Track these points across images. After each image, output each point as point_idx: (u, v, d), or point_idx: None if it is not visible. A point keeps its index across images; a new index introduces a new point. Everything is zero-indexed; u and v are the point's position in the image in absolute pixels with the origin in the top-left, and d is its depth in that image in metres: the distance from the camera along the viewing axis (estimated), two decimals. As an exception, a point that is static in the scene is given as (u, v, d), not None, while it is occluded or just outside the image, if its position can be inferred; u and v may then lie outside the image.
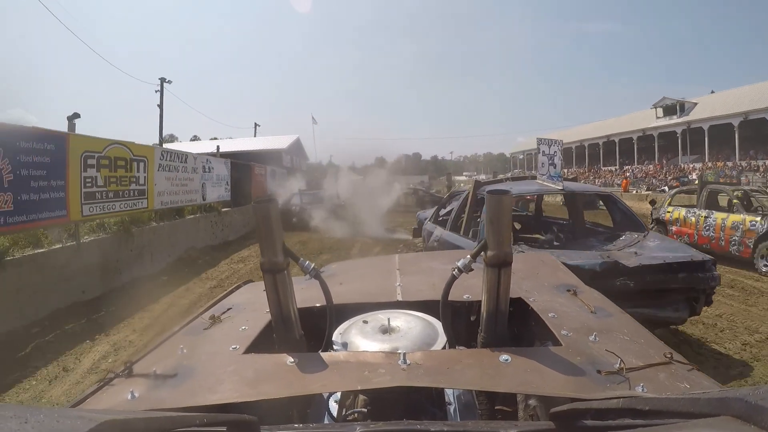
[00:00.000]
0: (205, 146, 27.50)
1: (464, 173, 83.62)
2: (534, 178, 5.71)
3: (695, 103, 38.05)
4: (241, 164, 15.58)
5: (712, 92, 39.63)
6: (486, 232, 1.05)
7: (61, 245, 6.49)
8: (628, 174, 42.36)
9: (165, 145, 25.47)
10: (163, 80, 24.35)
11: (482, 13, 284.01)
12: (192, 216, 11.10)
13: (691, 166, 37.28)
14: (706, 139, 35.99)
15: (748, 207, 8.45)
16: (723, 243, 8.21)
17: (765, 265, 7.48)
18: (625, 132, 46.10)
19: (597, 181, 41.40)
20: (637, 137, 44.84)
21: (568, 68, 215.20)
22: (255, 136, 39.69)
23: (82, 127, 7.64)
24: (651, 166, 42.93)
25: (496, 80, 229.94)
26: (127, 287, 7.47)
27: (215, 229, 12.20)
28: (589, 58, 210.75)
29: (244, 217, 14.58)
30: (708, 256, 3.83)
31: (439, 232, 5.75)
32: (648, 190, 31.23)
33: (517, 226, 5.86)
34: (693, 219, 8.95)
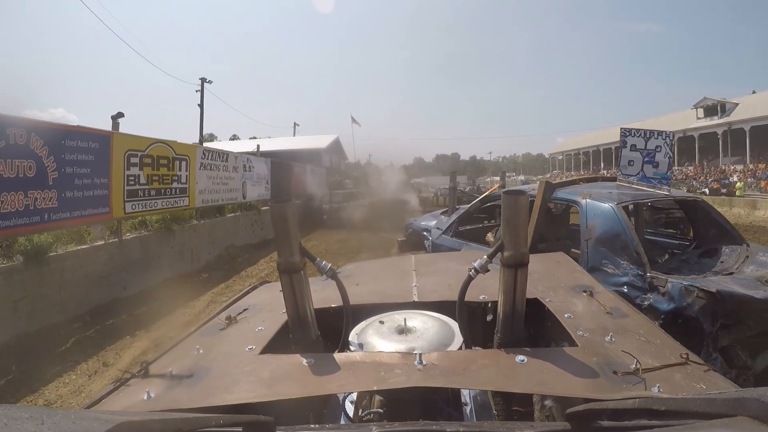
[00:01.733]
0: (245, 145, 28.19)
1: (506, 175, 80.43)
2: (614, 179, 4.57)
3: (736, 104, 36.27)
4: (281, 163, 15.69)
5: (754, 92, 37.71)
6: (502, 233, 1.04)
7: (103, 242, 6.61)
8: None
9: (206, 144, 26.42)
10: (203, 80, 24.86)
11: (522, 11, 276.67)
12: (232, 214, 11.21)
13: (732, 167, 35.60)
14: (747, 140, 34.35)
15: None
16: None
17: None
18: (676, 131, 43.53)
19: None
20: (677, 138, 42.08)
21: (607, 68, 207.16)
22: (294, 135, 40.37)
23: (124, 126, 7.76)
24: (691, 167, 41.00)
25: (536, 80, 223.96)
26: (168, 284, 7.53)
27: (255, 227, 12.27)
28: (628, 58, 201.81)
29: (283, 216, 14.65)
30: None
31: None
32: (688, 191, 29.46)
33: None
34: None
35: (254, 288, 1.94)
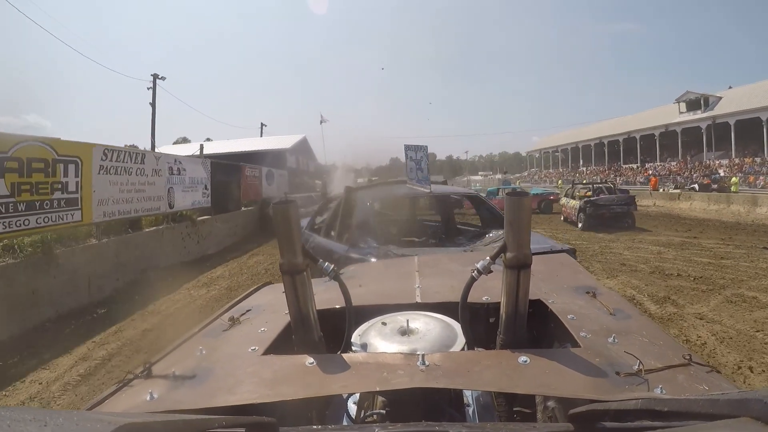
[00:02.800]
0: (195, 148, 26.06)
1: (479, 173, 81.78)
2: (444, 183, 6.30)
3: (720, 98, 36.28)
4: (226, 165, 13.76)
5: (730, 87, 37.87)
6: (505, 234, 1.04)
7: None
8: (650, 171, 40.24)
9: (162, 149, 23.94)
10: (155, 77, 22.38)
11: (496, 10, 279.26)
12: (154, 228, 9.27)
13: (717, 162, 35.63)
14: (733, 134, 34.15)
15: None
16: None
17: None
18: (647, 128, 44.10)
19: (619, 179, 39.73)
20: (659, 133, 43.11)
21: (585, 66, 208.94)
22: (262, 136, 38.10)
23: (88, 135, 5.82)
24: (674, 162, 41.10)
25: (512, 78, 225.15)
26: (49, 327, 5.67)
27: (188, 242, 10.35)
28: (606, 56, 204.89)
29: (229, 226, 12.75)
30: (567, 246, 3.95)
31: (313, 239, 5.26)
32: (676, 188, 28.92)
33: (393, 230, 5.59)
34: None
35: (257, 289, 1.91)
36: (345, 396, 1.24)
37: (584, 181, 22.53)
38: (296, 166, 32.48)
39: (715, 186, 27.09)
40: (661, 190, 28.19)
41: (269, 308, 1.52)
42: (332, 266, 1.21)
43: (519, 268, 1.02)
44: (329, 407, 1.29)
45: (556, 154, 62.29)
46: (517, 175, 69.43)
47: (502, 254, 1.05)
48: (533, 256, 1.05)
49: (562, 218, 16.67)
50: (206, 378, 1.01)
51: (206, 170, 11.59)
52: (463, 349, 1.14)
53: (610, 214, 13.71)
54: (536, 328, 1.35)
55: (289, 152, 30.48)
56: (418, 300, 1.49)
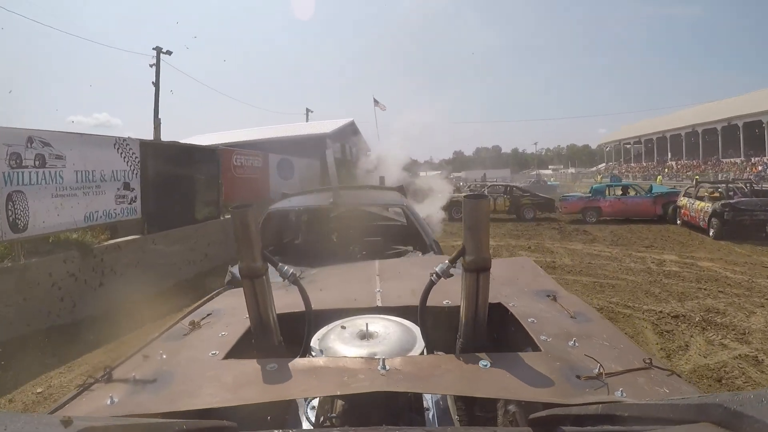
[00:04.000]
0: (221, 138, 22.04)
1: (549, 167, 76.39)
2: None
3: None
4: (180, 150, 8.85)
5: None
6: (464, 237, 1.03)
7: None
8: (760, 168, 31.24)
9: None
10: (159, 50, 18.28)
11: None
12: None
13: None
14: None
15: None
16: None
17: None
18: (752, 114, 34.37)
19: (720, 176, 32.03)
20: (743, 123, 34.66)
21: (659, 53, 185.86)
22: (308, 122, 33.79)
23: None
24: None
25: (583, 67, 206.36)
26: None
27: (67, 288, 5.68)
28: (676, 42, 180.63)
29: (183, 249, 8.02)
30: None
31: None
32: None
33: (313, 247, 4.74)
34: None
35: (218, 293, 1.87)
36: (305, 400, 1.25)
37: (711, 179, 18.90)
38: (340, 154, 27.80)
39: None
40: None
41: (229, 312, 1.51)
42: (291, 270, 1.21)
43: (478, 271, 1.02)
44: (289, 411, 1.29)
45: (637, 145, 54.47)
46: (595, 169, 62.20)
47: (462, 257, 1.04)
48: (493, 260, 1.05)
49: (678, 222, 13.56)
50: (167, 382, 1.00)
51: (127, 158, 6.88)
52: (422, 352, 1.13)
53: (752, 221, 10.85)
54: (497, 331, 1.33)
55: (330, 137, 25.77)
56: (379, 304, 1.48)
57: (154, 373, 1.05)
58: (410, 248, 4.25)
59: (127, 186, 6.85)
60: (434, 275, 1.12)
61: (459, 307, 1.11)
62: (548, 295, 1.49)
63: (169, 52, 18.33)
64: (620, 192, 15.39)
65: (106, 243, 6.49)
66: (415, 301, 1.19)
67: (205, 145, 9.41)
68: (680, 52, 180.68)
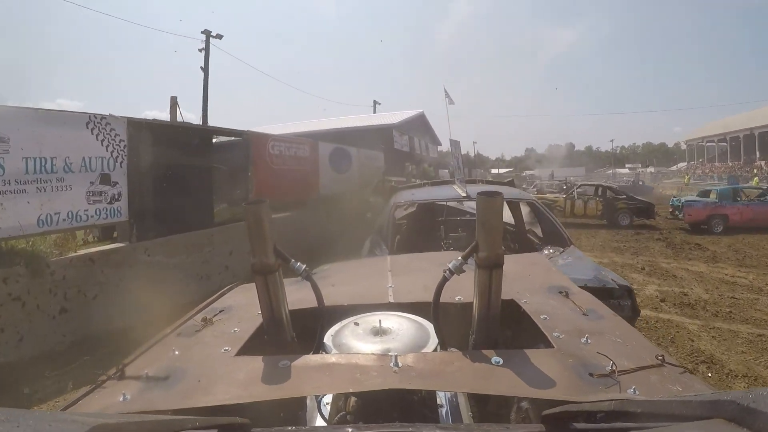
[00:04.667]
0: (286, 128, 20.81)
1: (626, 165, 73.80)
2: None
3: None
4: (183, 132, 6.84)
5: None
6: (477, 234, 1.04)
7: None
8: None
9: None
10: (208, 34, 16.52)
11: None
12: None
13: None
14: None
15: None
16: None
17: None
18: None
19: None
20: None
21: (734, 48, 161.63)
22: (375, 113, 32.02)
23: None
24: None
25: (660, 62, 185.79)
26: None
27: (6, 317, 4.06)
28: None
29: (192, 261, 6.26)
30: (624, 283, 3.26)
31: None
32: None
33: (437, 238, 4.82)
34: None
35: (230, 289, 1.85)
36: (318, 397, 1.24)
37: None
38: (408, 148, 25.60)
39: None
40: None
41: (242, 308, 1.52)
42: (304, 266, 1.21)
43: (491, 267, 1.02)
44: (302, 408, 1.28)
45: (722, 143, 49.73)
46: (675, 168, 58.81)
47: (474, 254, 1.04)
48: (505, 256, 1.05)
49: None
50: (179, 379, 1.01)
51: (107, 143, 5.19)
52: (435, 349, 1.13)
53: None
54: (509, 328, 1.34)
55: (397, 129, 23.68)
56: (391, 300, 1.49)
57: (166, 369, 1.06)
58: (549, 247, 4.07)
59: (106, 179, 5.16)
60: (447, 271, 1.12)
61: (472, 303, 1.12)
62: (561, 292, 1.49)
63: (219, 36, 17.11)
64: (747, 197, 13.30)
65: (72, 255, 4.82)
66: (428, 297, 1.20)
67: (229, 128, 7.62)
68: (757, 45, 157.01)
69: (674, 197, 15.44)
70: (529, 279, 1.65)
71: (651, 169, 62.95)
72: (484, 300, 1.06)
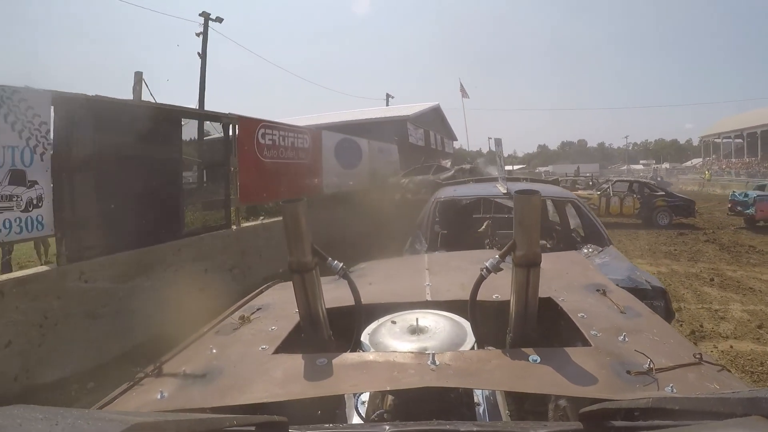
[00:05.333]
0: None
1: (641, 161, 74.72)
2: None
3: None
4: (138, 114, 4.93)
5: None
6: (515, 233, 1.05)
7: None
8: None
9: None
10: (207, 17, 15.06)
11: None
12: None
13: None
14: None
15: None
16: None
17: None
18: None
19: None
20: None
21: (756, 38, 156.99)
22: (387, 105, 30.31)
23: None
24: None
25: (672, 58, 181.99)
26: None
27: None
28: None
29: (160, 282, 4.79)
30: (657, 285, 3.21)
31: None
32: None
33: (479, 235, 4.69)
34: None
35: (267, 287, 1.87)
36: (355, 395, 1.24)
37: None
38: (423, 142, 23.97)
39: None
40: None
41: (279, 307, 1.52)
42: (341, 264, 1.21)
43: (528, 266, 1.02)
44: (339, 406, 1.28)
45: (738, 140, 50.11)
46: (689, 164, 60.15)
47: (512, 252, 1.04)
48: (542, 254, 1.04)
49: None
50: (217, 377, 1.01)
51: (20, 126, 3.72)
52: (472, 347, 1.14)
53: None
54: (546, 326, 1.31)
55: (412, 122, 22.05)
56: (428, 298, 1.48)
57: (203, 367, 1.06)
58: (588, 246, 3.98)
59: (18, 177, 3.70)
60: (484, 270, 1.12)
61: (509, 301, 1.11)
62: (598, 290, 1.48)
63: (219, 20, 15.60)
64: None
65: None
66: (465, 295, 1.20)
67: (205, 111, 6.09)
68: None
69: (734, 192, 14.02)
70: (566, 277, 1.64)
71: (666, 165, 63.58)
72: (521, 298, 1.05)
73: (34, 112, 3.83)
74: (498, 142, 5.68)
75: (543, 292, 1.21)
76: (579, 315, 1.24)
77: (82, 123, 4.22)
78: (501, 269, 1.12)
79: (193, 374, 1.03)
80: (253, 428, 0.73)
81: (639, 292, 2.89)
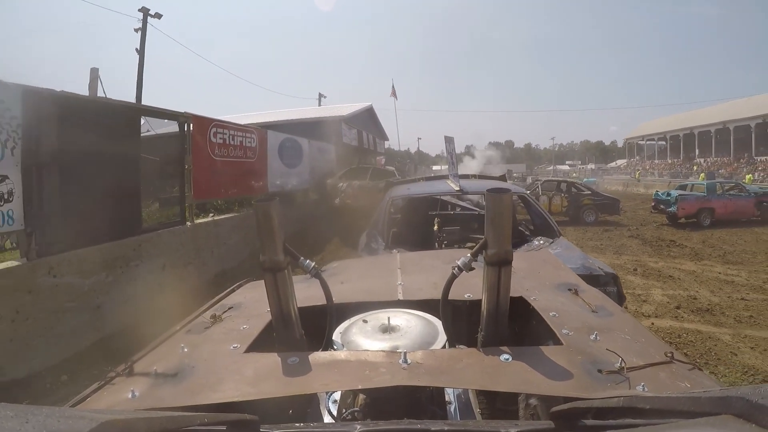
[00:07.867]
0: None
1: (566, 162, 76.75)
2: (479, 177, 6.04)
3: None
4: (103, 110, 5.18)
5: None
6: (486, 231, 1.04)
7: None
8: None
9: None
10: (146, 12, 14.74)
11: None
12: None
13: None
14: None
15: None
16: None
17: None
18: None
19: (756, 174, 31.81)
20: (755, 125, 35.14)
21: (677, 48, 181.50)
22: (320, 106, 30.50)
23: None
24: None
25: (600, 62, 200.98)
26: None
27: None
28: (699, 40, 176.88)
29: (126, 277, 4.92)
30: (609, 271, 3.35)
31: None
32: None
33: (431, 232, 4.92)
34: None
35: (239, 286, 1.84)
36: (327, 394, 1.25)
37: None
38: (357, 142, 24.59)
39: None
40: None
41: (251, 306, 1.51)
42: (313, 263, 1.21)
43: (500, 264, 1.02)
44: (311, 405, 1.29)
45: (661, 142, 54.07)
46: (614, 164, 62.69)
47: (483, 251, 1.04)
48: (514, 252, 1.04)
49: None
50: (188, 376, 1.00)
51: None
52: (444, 346, 1.13)
53: None
54: (518, 325, 1.34)
55: (346, 122, 22.56)
56: (400, 297, 1.48)
57: (175, 366, 1.05)
58: (539, 238, 4.17)
59: (-14, 171, 3.75)
60: (456, 268, 1.12)
61: (481, 300, 1.10)
62: (569, 289, 1.48)
63: (158, 15, 15.06)
64: (729, 190, 13.86)
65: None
66: (437, 294, 1.19)
67: (162, 108, 6.17)
68: (690, 52, 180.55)
69: (657, 191, 15.43)
70: (538, 276, 1.65)
71: (591, 166, 65.94)
72: (493, 297, 1.05)
73: (5, 106, 3.87)
74: (450, 140, 5.71)
75: (515, 291, 1.21)
76: (551, 314, 1.23)
77: (51, 118, 4.28)
78: (473, 268, 1.11)
79: (164, 373, 1.01)
80: (224, 427, 0.74)
81: (593, 278, 3.07)
